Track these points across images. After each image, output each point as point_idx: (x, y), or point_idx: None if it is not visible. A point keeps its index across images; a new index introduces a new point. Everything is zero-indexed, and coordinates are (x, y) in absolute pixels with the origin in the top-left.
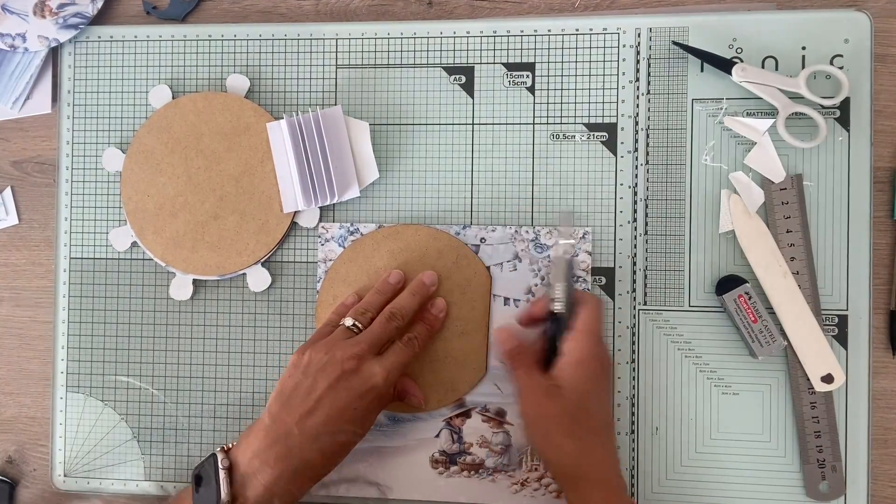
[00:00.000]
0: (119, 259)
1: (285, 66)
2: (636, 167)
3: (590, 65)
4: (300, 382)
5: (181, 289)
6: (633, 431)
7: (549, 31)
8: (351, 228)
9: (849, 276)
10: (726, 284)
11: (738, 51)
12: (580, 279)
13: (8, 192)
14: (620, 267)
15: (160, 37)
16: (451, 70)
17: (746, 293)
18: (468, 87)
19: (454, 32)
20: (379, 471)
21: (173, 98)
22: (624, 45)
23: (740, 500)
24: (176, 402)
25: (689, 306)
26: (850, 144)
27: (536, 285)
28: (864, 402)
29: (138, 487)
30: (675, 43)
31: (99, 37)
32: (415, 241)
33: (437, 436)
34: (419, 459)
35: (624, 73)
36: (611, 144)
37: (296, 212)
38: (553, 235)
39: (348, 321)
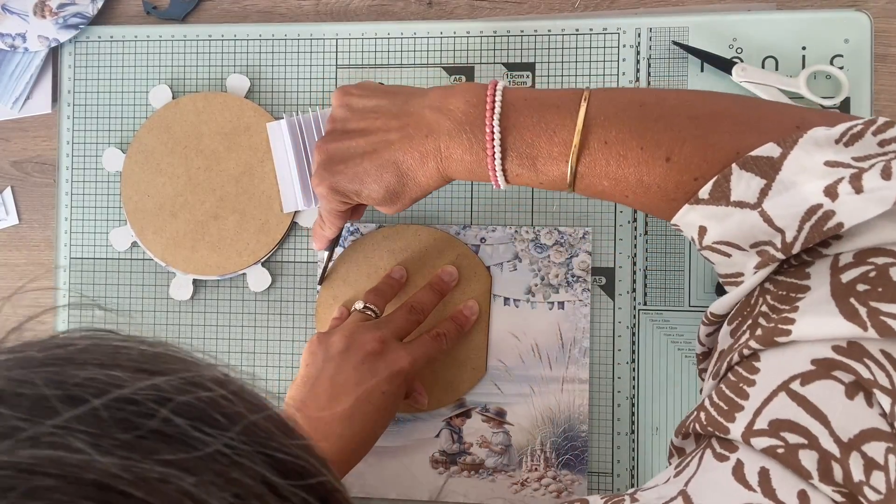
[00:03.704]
0: (119, 259)
1: (285, 66)
2: None
3: (590, 65)
4: (323, 368)
5: (181, 289)
6: (633, 431)
7: (549, 31)
8: (351, 228)
9: None
10: None
11: (738, 51)
12: (580, 279)
13: (8, 192)
14: (620, 267)
15: (160, 37)
16: (451, 70)
17: None
18: None
19: (454, 32)
20: (379, 471)
21: (173, 98)
22: (624, 45)
23: None
24: None
25: (689, 306)
26: None
27: (536, 285)
28: None
29: None
30: (675, 43)
31: (99, 37)
32: (415, 241)
33: (437, 436)
34: (419, 459)
35: (624, 73)
36: None
37: (296, 212)
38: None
39: (360, 304)
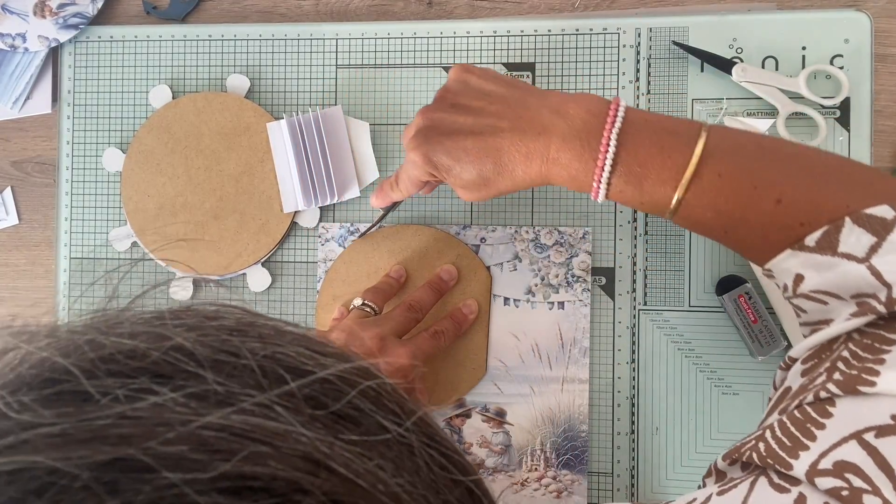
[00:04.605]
0: (119, 259)
1: (285, 66)
2: None
3: (590, 65)
4: None
5: (181, 289)
6: (633, 431)
7: (549, 31)
8: (351, 228)
9: None
10: (726, 284)
11: (738, 51)
12: (580, 279)
13: (8, 192)
14: (620, 267)
15: (160, 37)
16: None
17: (746, 293)
18: None
19: (454, 32)
20: None
21: (173, 98)
22: (624, 45)
23: None
24: None
25: (689, 306)
26: (850, 144)
27: (536, 285)
28: None
29: None
30: (675, 43)
31: (99, 37)
32: (415, 241)
33: None
34: None
35: (624, 73)
36: None
37: (296, 212)
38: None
39: (358, 301)
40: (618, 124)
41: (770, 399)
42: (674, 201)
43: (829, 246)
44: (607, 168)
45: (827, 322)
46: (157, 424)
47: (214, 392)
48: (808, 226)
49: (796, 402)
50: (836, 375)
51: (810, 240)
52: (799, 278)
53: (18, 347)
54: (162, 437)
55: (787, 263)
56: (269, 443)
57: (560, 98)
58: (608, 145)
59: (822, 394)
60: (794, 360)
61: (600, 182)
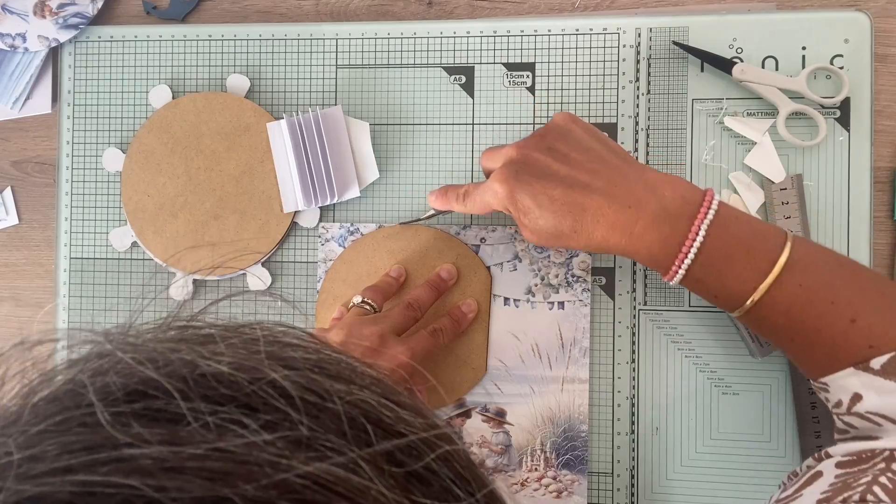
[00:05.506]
0: (119, 259)
1: (285, 66)
2: None
3: (590, 65)
4: None
5: (181, 289)
6: (633, 431)
7: (549, 31)
8: (351, 228)
9: None
10: None
11: (738, 51)
12: (580, 279)
13: (8, 192)
14: (620, 267)
15: (160, 37)
16: (451, 70)
17: None
18: (468, 87)
19: (454, 32)
20: None
21: (173, 98)
22: (624, 45)
23: (740, 500)
24: None
25: (689, 306)
26: (850, 144)
27: (536, 285)
28: None
29: None
30: (675, 43)
31: (99, 37)
32: (415, 241)
33: None
34: None
35: (624, 73)
36: None
37: (296, 212)
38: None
39: (357, 299)
40: (710, 216)
41: (797, 474)
42: (749, 301)
43: (893, 371)
44: (691, 256)
45: (873, 438)
46: (248, 464)
47: (303, 436)
48: (877, 349)
49: (841, 497)
50: (884, 480)
51: (876, 363)
52: (857, 397)
53: (113, 354)
54: (256, 480)
55: (848, 381)
56: (350, 498)
57: (656, 176)
58: (696, 234)
59: (870, 497)
60: (829, 456)
61: (680, 268)
